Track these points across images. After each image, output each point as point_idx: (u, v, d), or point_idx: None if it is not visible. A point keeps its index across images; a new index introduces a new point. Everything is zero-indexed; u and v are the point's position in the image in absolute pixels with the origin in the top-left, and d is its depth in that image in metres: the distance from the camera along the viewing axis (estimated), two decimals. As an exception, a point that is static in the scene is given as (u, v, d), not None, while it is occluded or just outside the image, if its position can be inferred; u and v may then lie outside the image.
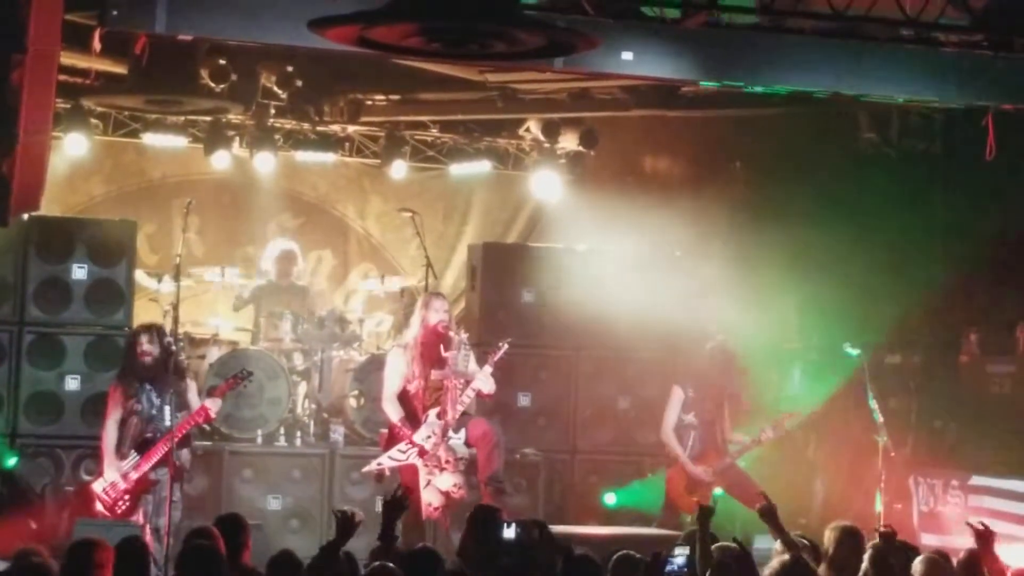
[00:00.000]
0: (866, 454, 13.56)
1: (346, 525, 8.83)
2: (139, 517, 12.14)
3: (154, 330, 12.57)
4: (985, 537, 9.29)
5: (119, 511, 12.12)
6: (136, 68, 13.94)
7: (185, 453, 12.42)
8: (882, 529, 9.36)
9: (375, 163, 17.43)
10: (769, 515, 9.42)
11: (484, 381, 12.53)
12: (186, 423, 12.18)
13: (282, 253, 15.88)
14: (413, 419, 12.51)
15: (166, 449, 12.03)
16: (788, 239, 15.87)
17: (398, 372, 12.62)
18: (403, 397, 12.61)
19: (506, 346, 12.79)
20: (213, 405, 12.38)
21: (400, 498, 8.95)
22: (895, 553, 9.17)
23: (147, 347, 12.34)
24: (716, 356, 13.63)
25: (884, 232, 15.72)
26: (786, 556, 8.92)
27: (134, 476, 12.16)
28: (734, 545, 9.05)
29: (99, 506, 12.18)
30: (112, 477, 12.19)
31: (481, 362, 12.69)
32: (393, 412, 12.56)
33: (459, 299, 16.60)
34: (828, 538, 9.45)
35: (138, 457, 12.16)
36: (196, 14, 11.57)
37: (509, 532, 9.10)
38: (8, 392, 13.80)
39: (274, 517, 13.83)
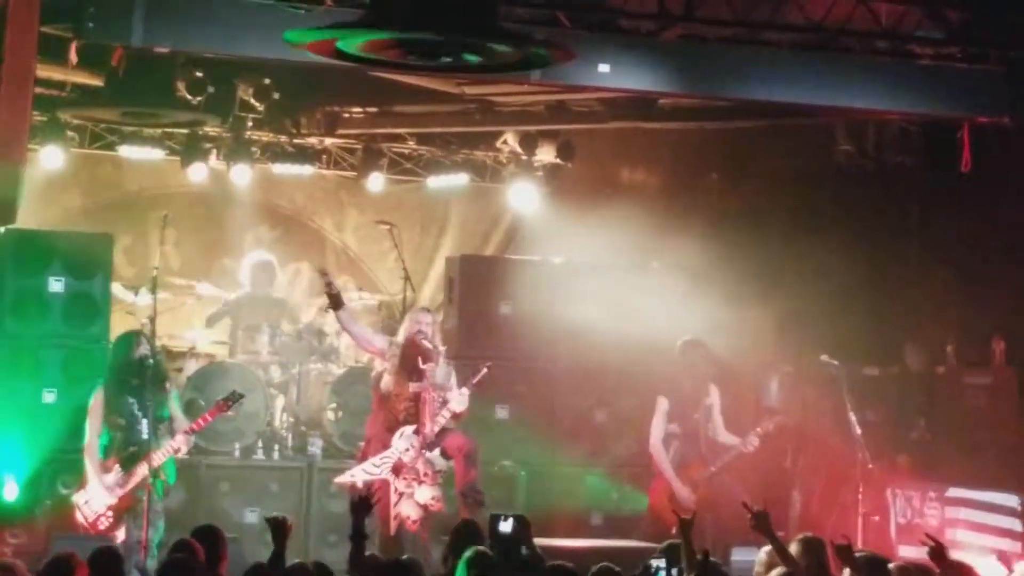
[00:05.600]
0: (844, 466, 13.58)
1: (278, 530, 8.91)
2: (121, 531, 12.02)
3: (143, 335, 12.50)
4: (938, 552, 9.30)
5: (102, 527, 11.99)
6: (113, 81, 13.92)
7: (168, 471, 12.31)
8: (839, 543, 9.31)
9: (352, 175, 17.43)
10: (762, 522, 9.41)
11: (459, 401, 12.56)
12: (167, 450, 12.03)
13: (259, 263, 15.85)
14: (390, 427, 12.52)
15: (147, 463, 11.91)
16: (765, 250, 15.90)
17: (383, 338, 12.82)
18: (379, 405, 12.63)
19: (485, 369, 12.82)
20: (185, 442, 12.20)
21: (365, 498, 9.00)
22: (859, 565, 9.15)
23: (144, 350, 12.23)
24: (689, 352, 13.55)
25: (861, 243, 15.77)
26: (781, 570, 8.92)
27: (119, 491, 12.03)
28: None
29: (81, 520, 12.05)
30: (97, 491, 12.05)
31: (462, 381, 12.72)
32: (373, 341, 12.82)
33: (437, 311, 16.57)
34: (793, 550, 9.45)
35: (122, 472, 12.04)
36: (173, 27, 11.59)
37: (506, 526, 9.25)
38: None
39: (251, 530, 13.78)
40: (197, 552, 9.12)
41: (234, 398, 12.52)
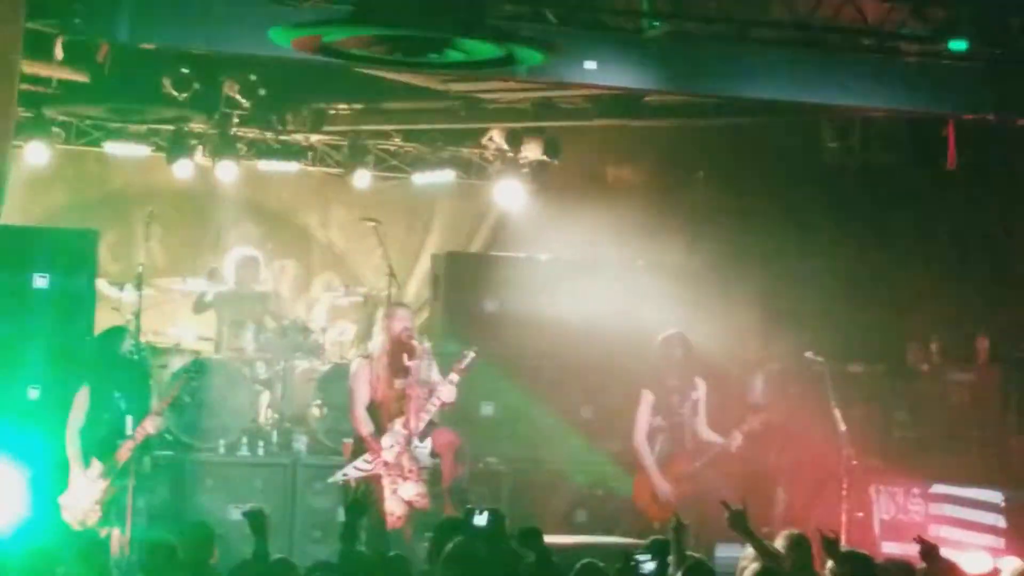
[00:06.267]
0: (828, 462, 13.60)
1: (257, 523, 8.90)
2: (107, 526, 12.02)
3: (129, 331, 12.51)
4: (930, 551, 9.32)
5: (91, 522, 12.00)
6: (98, 77, 13.90)
7: (146, 460, 12.33)
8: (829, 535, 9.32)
9: (338, 172, 17.41)
10: (738, 521, 9.41)
11: (447, 390, 12.50)
12: (140, 434, 12.03)
13: (243, 259, 15.84)
14: (379, 429, 12.47)
15: (126, 456, 11.94)
16: (751, 248, 15.92)
17: (365, 383, 12.55)
18: (371, 408, 12.57)
19: (471, 355, 12.73)
20: (151, 424, 12.17)
21: (361, 499, 8.97)
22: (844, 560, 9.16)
23: (130, 345, 12.25)
24: (670, 345, 13.52)
25: (846, 240, 15.80)
26: (757, 564, 8.93)
27: (102, 483, 12.04)
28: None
29: (69, 519, 12.02)
30: (81, 487, 12.06)
31: (446, 371, 12.67)
32: (364, 427, 12.48)
33: (422, 308, 16.59)
34: (778, 546, 9.47)
35: (103, 464, 12.05)
36: (159, 23, 11.59)
37: (480, 519, 9.22)
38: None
39: (236, 527, 13.73)
40: (173, 549, 9.18)
41: (193, 369, 12.52)
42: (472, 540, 9.00)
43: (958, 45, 12.62)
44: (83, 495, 12.02)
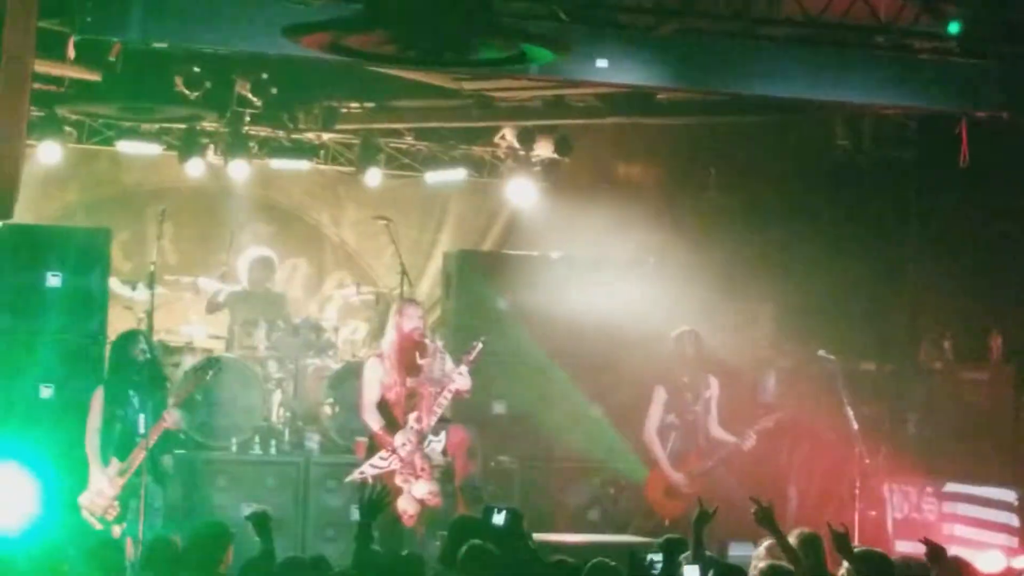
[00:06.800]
0: (840, 461, 13.59)
1: (261, 524, 8.92)
2: (124, 523, 12.06)
3: (144, 334, 12.55)
4: (935, 554, 9.29)
5: (110, 518, 12.03)
6: (110, 76, 13.91)
7: (167, 459, 12.36)
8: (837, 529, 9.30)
9: (350, 171, 17.41)
10: (766, 517, 9.39)
11: (461, 379, 12.46)
12: (153, 431, 12.06)
13: (258, 260, 15.83)
14: (393, 426, 12.46)
15: (142, 455, 11.96)
16: (762, 246, 15.90)
17: (376, 381, 12.55)
18: (382, 405, 12.56)
19: (481, 344, 12.70)
20: (170, 417, 12.19)
21: (379, 498, 8.97)
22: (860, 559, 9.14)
23: (144, 346, 12.29)
24: (684, 343, 13.54)
25: (858, 238, 15.78)
26: (764, 564, 8.92)
27: (120, 481, 12.07)
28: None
29: (89, 517, 12.06)
30: (100, 484, 12.10)
31: (457, 364, 12.66)
32: (373, 422, 12.50)
33: (434, 307, 16.59)
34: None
35: (120, 462, 12.08)
36: (171, 21, 11.59)
37: (499, 518, 9.23)
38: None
39: (248, 525, 13.74)
40: (174, 549, 9.20)
41: (211, 365, 12.53)
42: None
43: (953, 28, 12.64)
44: (103, 493, 12.04)
